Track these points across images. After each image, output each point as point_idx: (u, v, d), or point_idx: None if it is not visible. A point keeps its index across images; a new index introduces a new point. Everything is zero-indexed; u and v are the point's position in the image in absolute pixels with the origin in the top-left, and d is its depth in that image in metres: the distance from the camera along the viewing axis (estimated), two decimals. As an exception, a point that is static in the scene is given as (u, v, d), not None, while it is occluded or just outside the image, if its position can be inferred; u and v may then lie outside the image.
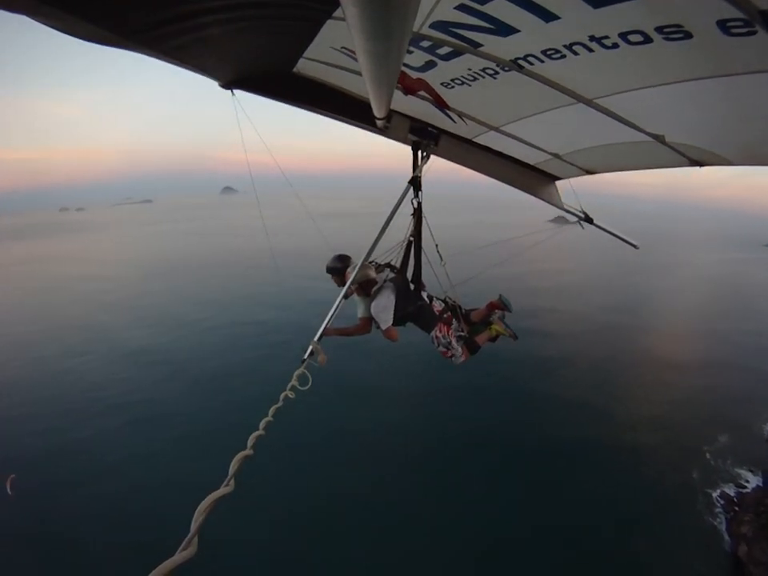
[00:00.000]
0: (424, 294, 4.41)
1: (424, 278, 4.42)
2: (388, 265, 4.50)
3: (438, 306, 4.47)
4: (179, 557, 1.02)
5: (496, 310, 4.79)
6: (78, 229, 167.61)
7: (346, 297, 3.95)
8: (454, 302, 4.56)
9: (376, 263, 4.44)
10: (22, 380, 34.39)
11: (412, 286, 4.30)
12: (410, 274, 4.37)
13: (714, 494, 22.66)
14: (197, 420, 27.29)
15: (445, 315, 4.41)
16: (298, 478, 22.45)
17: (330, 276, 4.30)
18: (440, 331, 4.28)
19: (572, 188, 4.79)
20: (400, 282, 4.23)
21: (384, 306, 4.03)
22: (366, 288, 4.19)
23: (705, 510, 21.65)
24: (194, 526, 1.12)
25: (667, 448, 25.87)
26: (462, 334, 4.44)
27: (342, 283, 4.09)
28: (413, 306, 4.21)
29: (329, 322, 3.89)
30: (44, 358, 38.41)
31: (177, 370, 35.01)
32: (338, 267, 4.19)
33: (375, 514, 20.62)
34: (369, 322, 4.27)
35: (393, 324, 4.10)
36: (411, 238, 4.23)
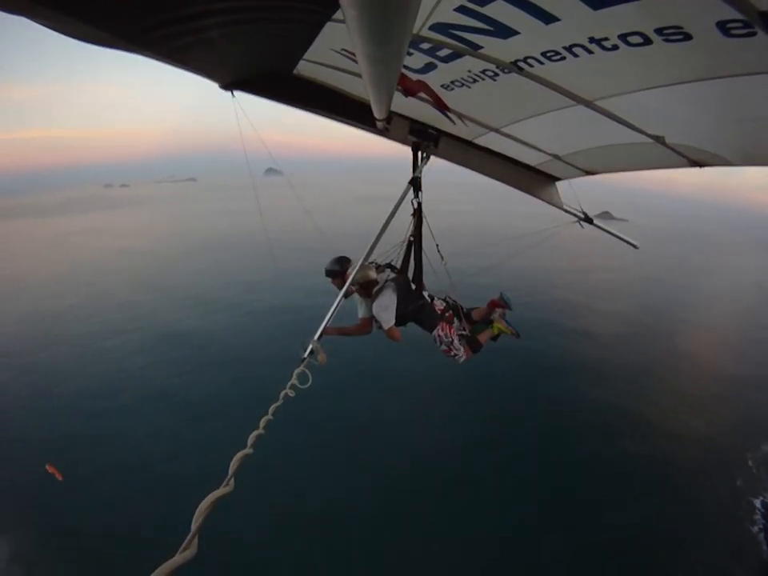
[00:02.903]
0: (425, 294, 4.42)
1: (426, 279, 4.43)
2: (389, 265, 4.51)
3: (439, 305, 4.49)
4: (179, 557, 1.02)
5: (497, 308, 4.82)
6: (121, 204, 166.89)
7: (346, 296, 3.97)
8: (455, 300, 4.58)
9: (376, 264, 4.45)
10: (60, 361, 33.99)
11: (413, 286, 4.32)
12: (410, 275, 4.39)
13: (756, 502, 22.32)
14: (232, 410, 26.18)
15: (446, 314, 4.43)
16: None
17: (329, 279, 4.32)
18: (442, 330, 4.30)
19: (572, 188, 4.78)
20: (401, 282, 4.24)
21: (385, 306, 4.05)
22: (367, 289, 4.21)
23: (746, 518, 21.30)
24: (194, 526, 1.12)
25: (707, 455, 25.44)
26: (463, 332, 4.46)
27: (342, 285, 4.10)
28: (414, 305, 4.23)
29: (329, 321, 3.90)
30: (80, 336, 38.18)
31: (213, 355, 34.17)
32: (337, 270, 4.20)
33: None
34: (369, 322, 4.30)
35: (395, 324, 4.12)
36: (411, 238, 4.24)
